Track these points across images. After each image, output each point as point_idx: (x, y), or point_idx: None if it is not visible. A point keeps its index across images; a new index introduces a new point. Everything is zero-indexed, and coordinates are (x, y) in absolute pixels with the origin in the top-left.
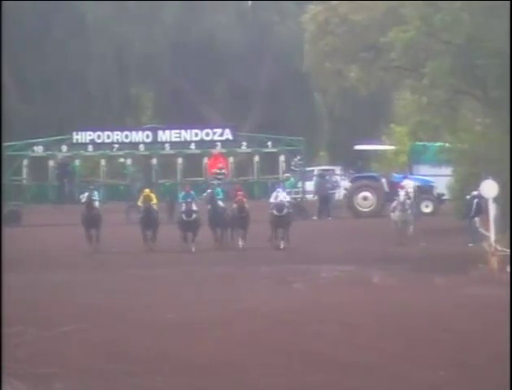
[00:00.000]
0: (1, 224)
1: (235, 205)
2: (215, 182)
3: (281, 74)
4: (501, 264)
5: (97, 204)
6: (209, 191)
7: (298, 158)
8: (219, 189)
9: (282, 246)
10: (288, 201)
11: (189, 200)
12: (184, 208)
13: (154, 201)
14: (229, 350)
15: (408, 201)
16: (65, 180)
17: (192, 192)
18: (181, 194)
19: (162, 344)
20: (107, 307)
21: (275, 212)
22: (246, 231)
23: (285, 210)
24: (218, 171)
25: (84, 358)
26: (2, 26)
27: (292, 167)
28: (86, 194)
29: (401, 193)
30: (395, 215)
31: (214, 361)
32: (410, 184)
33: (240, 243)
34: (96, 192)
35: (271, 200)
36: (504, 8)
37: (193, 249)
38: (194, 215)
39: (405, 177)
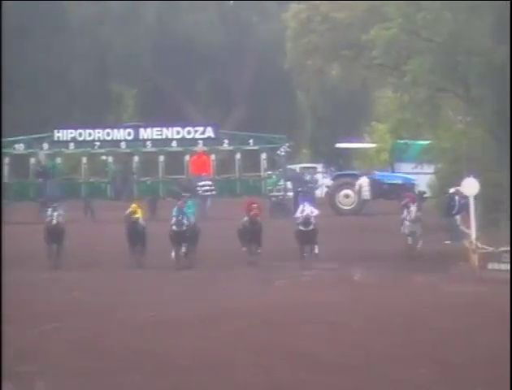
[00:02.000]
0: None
1: (246, 218)
2: (188, 194)
3: (263, 72)
4: (482, 262)
5: (60, 220)
6: (179, 202)
7: (287, 144)
8: (189, 202)
9: (309, 267)
10: (314, 216)
11: (180, 217)
12: (174, 221)
13: (140, 215)
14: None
15: (418, 214)
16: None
17: (184, 209)
18: (174, 209)
19: (144, 342)
20: (87, 305)
21: (301, 227)
22: (259, 244)
23: (311, 226)
24: (203, 184)
25: (66, 356)
26: (1, 25)
27: (280, 152)
28: (49, 212)
29: (412, 208)
30: (404, 227)
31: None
32: (365, 182)
33: (254, 257)
34: (59, 211)
35: (297, 214)
36: (485, 7)
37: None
38: (185, 227)
39: (361, 174)
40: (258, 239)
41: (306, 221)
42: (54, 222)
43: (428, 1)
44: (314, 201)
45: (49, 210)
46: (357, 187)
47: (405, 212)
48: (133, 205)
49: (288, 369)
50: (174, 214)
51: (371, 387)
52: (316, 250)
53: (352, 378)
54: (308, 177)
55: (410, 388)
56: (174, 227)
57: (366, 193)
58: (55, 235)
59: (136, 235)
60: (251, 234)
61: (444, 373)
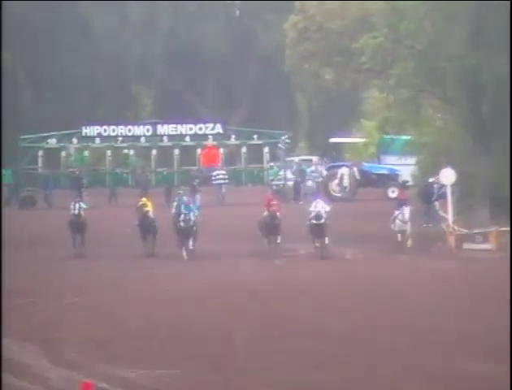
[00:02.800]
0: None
1: (266, 213)
2: (181, 191)
3: (265, 75)
4: (458, 242)
5: (82, 212)
6: (175, 199)
7: (286, 136)
8: (185, 198)
9: (324, 254)
10: (326, 211)
11: (186, 212)
12: (182, 218)
13: (150, 209)
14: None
15: (408, 214)
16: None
17: (191, 205)
18: (182, 205)
19: (161, 313)
20: (109, 280)
21: (314, 221)
22: (278, 237)
23: (323, 220)
24: (218, 173)
25: (89, 325)
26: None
27: (280, 146)
28: (77, 205)
29: (405, 209)
30: (395, 226)
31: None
32: (345, 172)
33: (274, 247)
34: (81, 203)
35: (311, 209)
36: (462, 17)
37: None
38: (191, 223)
39: (342, 165)
40: (278, 231)
41: (318, 216)
42: (77, 214)
43: (411, 12)
44: (319, 192)
45: (73, 203)
46: (339, 176)
47: (396, 211)
48: (143, 199)
49: (280, 335)
50: (183, 209)
51: (356, 350)
52: (326, 241)
53: (338, 342)
54: (313, 168)
55: (389, 350)
56: (182, 224)
57: (346, 181)
58: (78, 226)
59: (146, 226)
60: (271, 227)
61: (419, 337)
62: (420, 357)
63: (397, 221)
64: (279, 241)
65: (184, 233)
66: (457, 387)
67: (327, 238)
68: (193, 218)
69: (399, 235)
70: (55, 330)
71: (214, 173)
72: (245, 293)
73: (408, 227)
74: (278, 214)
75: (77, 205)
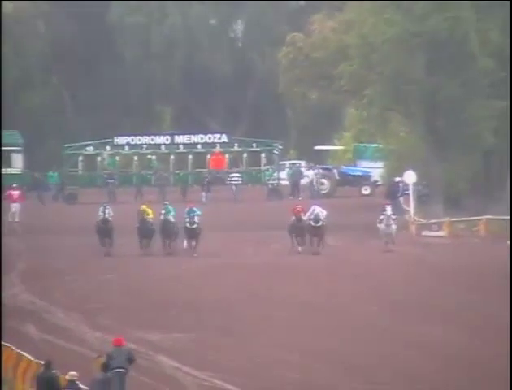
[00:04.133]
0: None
1: (293, 217)
2: (168, 201)
3: (262, 95)
4: (417, 230)
5: (110, 218)
6: (163, 208)
7: (279, 144)
8: (170, 207)
9: (320, 251)
10: (324, 215)
11: (192, 215)
12: (187, 219)
13: (150, 215)
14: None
15: (393, 217)
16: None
17: (195, 209)
18: (186, 209)
19: (177, 289)
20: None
21: (312, 223)
22: (304, 237)
23: (320, 222)
24: (233, 175)
25: (120, 298)
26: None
27: (274, 152)
28: (106, 210)
29: (388, 209)
30: (381, 227)
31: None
32: (311, 174)
33: (300, 249)
34: (108, 208)
35: (308, 214)
36: (421, 49)
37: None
38: (196, 225)
39: (315, 167)
40: (303, 232)
41: (317, 219)
42: (105, 218)
43: (379, 45)
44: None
45: (101, 208)
46: (310, 176)
47: (381, 215)
48: (143, 206)
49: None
50: (186, 214)
51: (340, 321)
52: (319, 251)
53: (325, 314)
54: (309, 170)
55: (366, 320)
56: (187, 225)
57: (306, 180)
58: (106, 230)
59: (145, 230)
60: (299, 229)
61: (388, 308)
62: (391, 322)
63: (382, 225)
64: (300, 249)
65: (190, 233)
66: (418, 346)
67: (322, 241)
68: (197, 220)
69: (383, 234)
70: (93, 301)
71: (230, 175)
72: (244, 270)
73: (393, 230)
74: (303, 217)
75: (106, 211)
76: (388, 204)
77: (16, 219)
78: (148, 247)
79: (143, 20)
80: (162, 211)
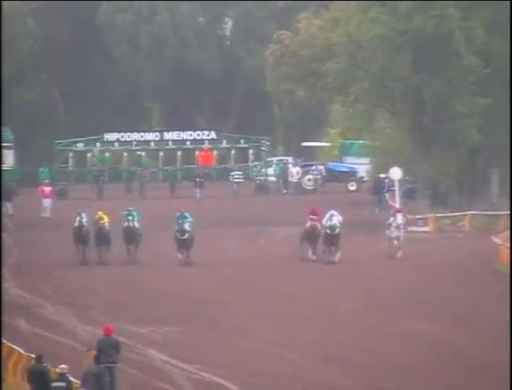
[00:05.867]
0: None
1: (308, 224)
2: (131, 207)
3: (250, 92)
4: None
5: (85, 222)
6: (125, 212)
7: (266, 141)
8: (133, 212)
9: (336, 260)
10: (339, 222)
11: (181, 221)
12: (177, 227)
13: (106, 220)
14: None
15: (403, 223)
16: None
17: (186, 214)
18: (176, 215)
19: (167, 283)
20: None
21: (328, 231)
22: (317, 244)
23: (337, 230)
24: (235, 173)
25: (110, 293)
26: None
27: (262, 148)
28: (78, 218)
29: (399, 216)
30: (389, 232)
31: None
32: (293, 170)
33: (314, 257)
34: (84, 214)
35: (325, 219)
36: (406, 47)
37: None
38: (187, 234)
39: (312, 164)
40: (317, 241)
41: (333, 227)
42: (80, 225)
43: (365, 43)
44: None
45: (78, 217)
46: (297, 172)
47: (391, 219)
48: (99, 213)
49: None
50: (176, 220)
51: (326, 314)
52: (336, 259)
53: (308, 305)
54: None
55: (353, 314)
56: (177, 235)
57: (293, 177)
58: (83, 237)
59: (101, 236)
60: (313, 238)
61: (369, 303)
62: (377, 316)
63: (392, 228)
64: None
65: (180, 244)
66: (404, 339)
67: (339, 252)
68: (188, 228)
69: (395, 241)
70: (83, 296)
71: (232, 173)
72: (232, 265)
73: (402, 234)
74: (318, 226)
75: (81, 217)
76: (399, 211)
77: (48, 215)
78: (105, 254)
79: (132, 18)
80: (129, 217)
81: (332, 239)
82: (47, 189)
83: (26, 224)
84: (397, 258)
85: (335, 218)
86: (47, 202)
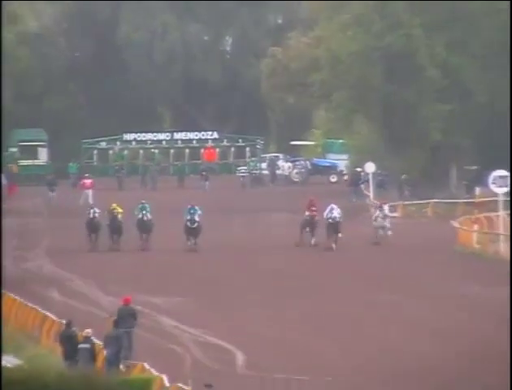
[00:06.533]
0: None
1: (307, 214)
2: (144, 201)
3: (247, 99)
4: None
5: (97, 215)
6: (139, 206)
7: (260, 140)
8: (146, 205)
9: (334, 247)
10: (339, 213)
11: (192, 212)
12: (188, 217)
13: (119, 211)
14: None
15: (389, 215)
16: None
17: (196, 207)
18: (187, 207)
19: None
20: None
21: (330, 221)
22: (315, 230)
23: (337, 220)
24: (241, 168)
25: (129, 269)
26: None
27: (257, 146)
28: (91, 211)
29: (385, 207)
30: (376, 223)
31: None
32: (284, 165)
33: (313, 241)
34: (95, 209)
35: (326, 212)
36: (380, 60)
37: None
38: (196, 224)
39: (299, 159)
40: (315, 227)
41: (334, 217)
42: (92, 217)
43: (345, 58)
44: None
45: (91, 210)
46: (286, 167)
47: (377, 211)
48: (114, 205)
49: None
50: (186, 212)
51: (311, 287)
52: (334, 247)
53: (299, 282)
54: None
55: (336, 290)
56: (188, 224)
57: (284, 170)
58: (95, 227)
59: (114, 227)
60: (312, 225)
61: (351, 276)
62: (354, 288)
63: (379, 219)
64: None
65: (190, 232)
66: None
67: (340, 234)
68: (197, 219)
69: (380, 230)
70: (106, 272)
71: (238, 168)
72: (238, 245)
73: (388, 224)
74: (316, 216)
75: (92, 211)
76: (385, 203)
77: (91, 202)
78: (118, 242)
79: (147, 37)
80: (142, 210)
81: (333, 228)
82: (88, 182)
83: (58, 211)
84: (381, 245)
85: (335, 210)
86: (88, 193)
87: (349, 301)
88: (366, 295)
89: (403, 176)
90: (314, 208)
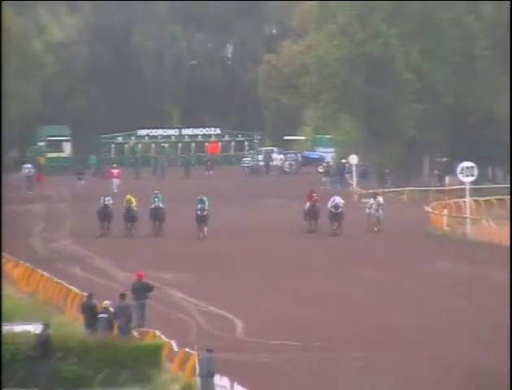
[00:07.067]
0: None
1: (308, 203)
2: (157, 191)
3: (246, 99)
4: (359, 198)
5: (110, 204)
6: (152, 196)
7: (258, 135)
8: (159, 195)
9: (338, 233)
10: (342, 203)
11: (201, 202)
12: (198, 206)
13: (134, 203)
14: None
15: (382, 204)
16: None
17: (204, 199)
18: (197, 198)
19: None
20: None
21: (333, 210)
22: (317, 220)
23: (340, 209)
24: (245, 159)
25: (143, 250)
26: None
27: (254, 141)
28: (107, 198)
29: (379, 197)
30: (370, 211)
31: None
32: (277, 157)
33: (313, 227)
34: (109, 197)
35: (329, 202)
36: (361, 65)
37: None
38: (205, 212)
39: (291, 152)
40: (317, 216)
41: (337, 206)
42: (105, 205)
43: (332, 63)
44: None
45: (102, 197)
46: (280, 159)
47: (372, 200)
48: (128, 196)
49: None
50: (196, 203)
51: (306, 272)
52: (337, 234)
53: (293, 263)
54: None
55: (326, 266)
56: (199, 213)
57: (278, 162)
58: (107, 215)
59: (130, 216)
60: (314, 213)
61: (338, 253)
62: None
63: (373, 208)
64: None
65: (201, 219)
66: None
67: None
68: (206, 208)
69: (374, 218)
70: (122, 251)
71: (243, 159)
72: (235, 231)
73: (381, 213)
74: (318, 203)
75: (106, 199)
76: (378, 194)
77: (115, 190)
78: (132, 229)
79: (158, 44)
80: (155, 199)
81: (336, 216)
82: (115, 171)
83: (80, 198)
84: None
85: (337, 199)
86: (115, 182)
87: (342, 279)
88: (356, 273)
89: (386, 170)
90: (315, 194)
